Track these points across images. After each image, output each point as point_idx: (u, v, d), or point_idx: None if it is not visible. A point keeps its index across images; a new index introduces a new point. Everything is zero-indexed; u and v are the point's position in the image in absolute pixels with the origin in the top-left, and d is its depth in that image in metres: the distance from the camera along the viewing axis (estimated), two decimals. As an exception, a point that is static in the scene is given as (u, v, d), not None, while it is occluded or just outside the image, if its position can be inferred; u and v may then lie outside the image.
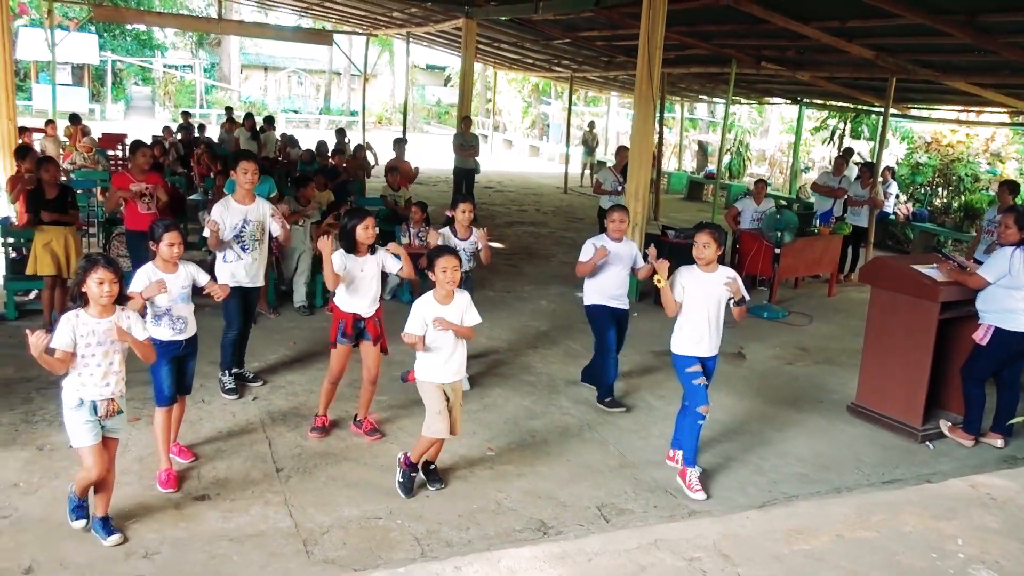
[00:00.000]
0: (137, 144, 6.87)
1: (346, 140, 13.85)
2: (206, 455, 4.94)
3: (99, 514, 4.00)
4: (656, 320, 8.59)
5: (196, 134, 15.19)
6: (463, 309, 4.59)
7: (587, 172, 21.37)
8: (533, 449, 5.35)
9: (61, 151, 12.08)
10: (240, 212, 5.73)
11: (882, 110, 12.14)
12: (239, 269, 5.74)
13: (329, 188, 9.63)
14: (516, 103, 34.32)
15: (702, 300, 4.83)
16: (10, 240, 7.65)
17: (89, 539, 3.98)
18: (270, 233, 5.89)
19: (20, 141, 11.66)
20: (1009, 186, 8.94)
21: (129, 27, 34.40)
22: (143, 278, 4.45)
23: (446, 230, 6.25)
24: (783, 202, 15.55)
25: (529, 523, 4.40)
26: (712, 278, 4.87)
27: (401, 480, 4.64)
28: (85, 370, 3.79)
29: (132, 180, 6.65)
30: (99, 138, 14.57)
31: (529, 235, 13.27)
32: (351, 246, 5.09)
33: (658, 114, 17.46)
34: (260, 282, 5.98)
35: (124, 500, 4.29)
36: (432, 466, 4.79)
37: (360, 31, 22.55)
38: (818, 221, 10.41)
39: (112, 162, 13.70)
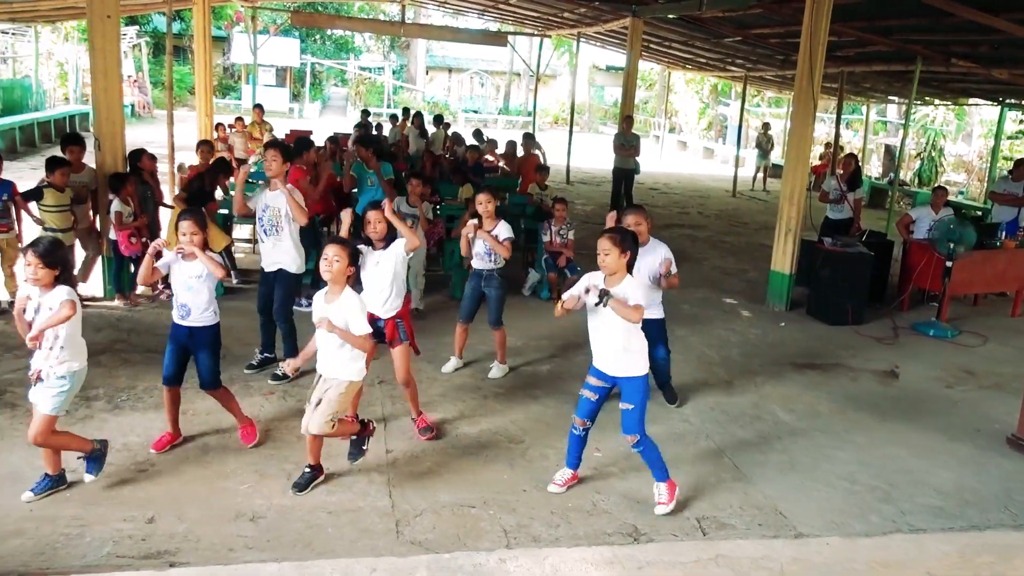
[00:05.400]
0: (271, 143, 6.99)
1: (484, 139, 14.40)
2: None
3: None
4: (804, 330, 8.15)
5: (373, 132, 16.05)
6: (347, 311, 4.31)
7: (760, 175, 20.51)
8: (643, 454, 5.21)
9: (249, 145, 13.15)
10: (263, 198, 5.97)
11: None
12: (260, 251, 6.15)
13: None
14: (693, 104, 33.57)
15: (598, 316, 4.36)
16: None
17: (207, 497, 4.32)
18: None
19: (216, 135, 12.93)
20: None
21: (329, 32, 36.92)
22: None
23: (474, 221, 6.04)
24: (977, 212, 14.22)
25: (622, 527, 4.29)
26: (615, 292, 4.26)
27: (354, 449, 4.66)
28: None
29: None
30: (287, 134, 15.73)
31: (685, 238, 12.92)
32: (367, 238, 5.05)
33: (835, 116, 16.66)
34: (281, 267, 5.99)
35: (245, 467, 4.64)
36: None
37: (535, 32, 22.89)
38: (1003, 233, 9.41)
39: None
